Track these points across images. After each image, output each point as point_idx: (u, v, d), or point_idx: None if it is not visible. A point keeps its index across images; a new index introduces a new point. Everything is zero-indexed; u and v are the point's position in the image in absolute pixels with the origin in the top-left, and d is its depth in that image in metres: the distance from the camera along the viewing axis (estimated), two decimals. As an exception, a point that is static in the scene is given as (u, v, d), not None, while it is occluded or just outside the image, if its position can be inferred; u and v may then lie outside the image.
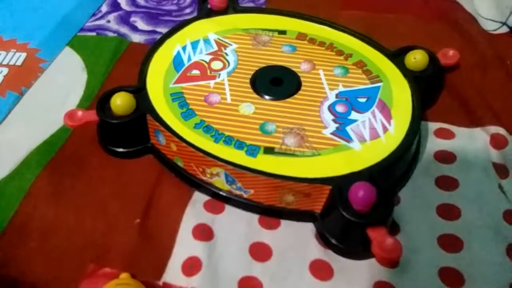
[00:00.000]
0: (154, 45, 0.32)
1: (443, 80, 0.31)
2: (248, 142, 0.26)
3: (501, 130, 0.29)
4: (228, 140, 0.26)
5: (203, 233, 0.25)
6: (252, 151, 0.26)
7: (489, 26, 0.36)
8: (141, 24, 0.37)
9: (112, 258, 0.24)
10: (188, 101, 0.28)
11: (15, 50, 0.33)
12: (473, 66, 0.33)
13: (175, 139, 0.26)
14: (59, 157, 0.28)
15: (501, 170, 0.27)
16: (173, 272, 0.23)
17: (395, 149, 0.26)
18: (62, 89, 0.32)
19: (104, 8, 0.39)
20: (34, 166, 0.27)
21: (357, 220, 0.23)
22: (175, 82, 0.29)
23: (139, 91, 0.28)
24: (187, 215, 0.26)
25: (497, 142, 0.29)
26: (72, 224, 0.25)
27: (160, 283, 0.23)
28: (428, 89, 0.30)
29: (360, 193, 0.22)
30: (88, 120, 0.27)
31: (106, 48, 0.35)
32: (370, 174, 0.24)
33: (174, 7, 0.39)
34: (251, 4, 0.40)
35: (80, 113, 0.28)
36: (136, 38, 0.36)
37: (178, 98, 0.28)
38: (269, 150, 0.26)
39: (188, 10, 0.39)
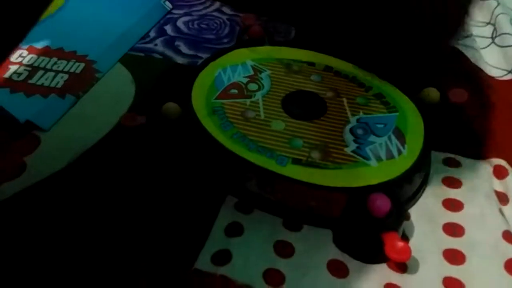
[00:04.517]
0: (199, 66, 0.36)
1: (452, 116, 0.34)
2: (278, 153, 0.30)
3: (502, 162, 0.32)
4: (261, 150, 0.30)
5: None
6: (282, 160, 0.29)
7: (496, 73, 0.40)
8: (184, 49, 0.42)
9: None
10: (227, 115, 0.32)
11: (75, 60, 0.38)
12: (479, 105, 0.37)
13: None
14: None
15: (502, 197, 0.31)
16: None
17: (407, 169, 0.29)
18: (113, 96, 0.36)
19: (152, 34, 0.44)
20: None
21: (372, 225, 0.26)
22: (217, 98, 0.33)
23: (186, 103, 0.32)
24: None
25: (499, 172, 0.32)
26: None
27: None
28: (438, 122, 0.33)
29: (377, 202, 0.26)
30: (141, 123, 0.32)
31: (153, 66, 0.39)
32: (384, 187, 0.28)
33: (213, 37, 0.44)
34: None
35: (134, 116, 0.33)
36: (180, 60, 0.41)
37: (219, 111, 0.32)
38: (296, 161, 0.29)
39: (225, 40, 0.44)
